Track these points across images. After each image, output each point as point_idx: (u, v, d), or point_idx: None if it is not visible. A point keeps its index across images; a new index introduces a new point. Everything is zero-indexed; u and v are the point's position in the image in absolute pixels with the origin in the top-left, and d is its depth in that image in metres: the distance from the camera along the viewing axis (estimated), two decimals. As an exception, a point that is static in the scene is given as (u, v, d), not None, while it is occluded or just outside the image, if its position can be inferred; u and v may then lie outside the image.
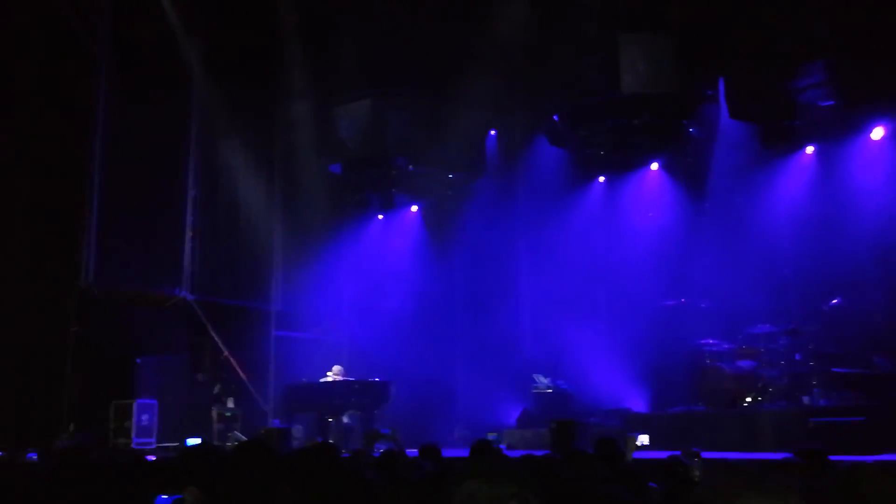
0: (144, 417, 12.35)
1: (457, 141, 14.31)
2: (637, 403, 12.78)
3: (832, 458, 5.10)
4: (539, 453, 5.38)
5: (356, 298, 15.56)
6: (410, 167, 15.30)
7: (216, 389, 13.80)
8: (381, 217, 16.30)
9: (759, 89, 11.86)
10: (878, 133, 11.52)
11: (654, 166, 14.02)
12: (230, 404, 13.70)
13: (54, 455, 8.03)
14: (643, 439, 10.35)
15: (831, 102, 11.51)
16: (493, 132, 14.94)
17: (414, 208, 16.19)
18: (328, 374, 13.32)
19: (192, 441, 11.29)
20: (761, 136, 12.25)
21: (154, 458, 6.69)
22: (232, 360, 14.11)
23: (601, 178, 14.65)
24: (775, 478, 5.33)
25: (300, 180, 15.30)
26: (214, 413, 13.39)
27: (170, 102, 13.83)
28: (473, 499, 1.77)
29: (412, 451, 6.41)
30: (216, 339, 14.05)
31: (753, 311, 11.86)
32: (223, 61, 14.12)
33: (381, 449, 8.66)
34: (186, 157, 14.17)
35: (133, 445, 11.82)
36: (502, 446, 10.68)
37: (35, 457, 8.28)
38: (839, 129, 11.67)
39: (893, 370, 10.48)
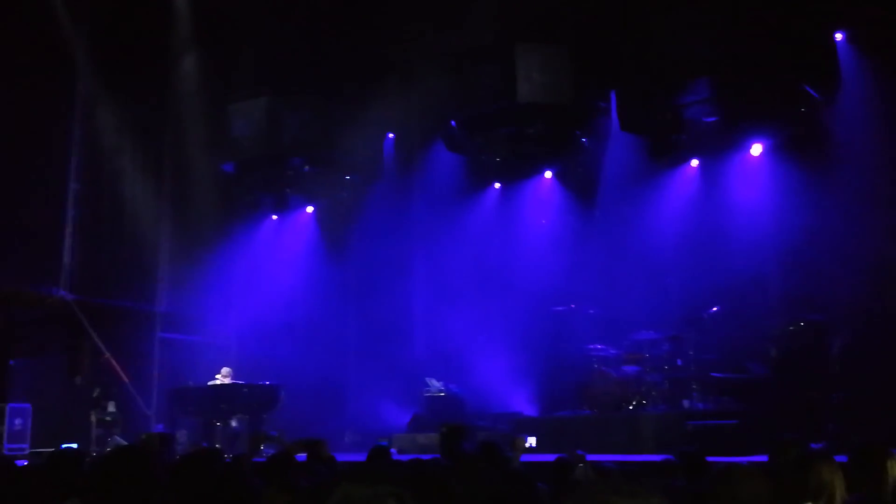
0: (17, 422, 11.76)
1: (354, 143, 14.23)
2: (527, 407, 12.99)
3: (709, 459, 5.29)
4: (428, 457, 5.39)
5: (247, 300, 15.22)
6: (306, 168, 15.09)
7: (95, 393, 13.22)
8: (274, 217, 16.02)
9: (647, 103, 12.27)
10: (756, 149, 12.10)
11: (548, 175, 14.31)
12: (111, 408, 13.14)
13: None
14: (531, 441, 10.52)
15: (714, 118, 12.02)
16: (390, 135, 14.92)
17: (309, 209, 15.98)
18: (216, 377, 12.98)
19: (67, 446, 10.79)
20: (649, 149, 12.67)
21: (26, 464, 6.35)
22: (113, 362, 13.56)
23: (496, 185, 14.85)
24: (653, 479, 5.50)
25: (190, 178, 14.86)
26: (93, 417, 12.82)
27: (52, 91, 13.22)
28: (350, 500, 1.75)
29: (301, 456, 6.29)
30: (96, 340, 13.48)
31: (638, 318, 12.24)
32: (111, 51, 13.58)
33: (268, 453, 8.49)
34: (68, 150, 13.56)
35: (3, 451, 11.23)
36: (392, 450, 10.62)
37: None
38: (721, 144, 12.19)
39: (764, 375, 11.01)
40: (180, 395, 13.04)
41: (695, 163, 12.82)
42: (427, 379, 13.57)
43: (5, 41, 12.46)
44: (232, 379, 12.94)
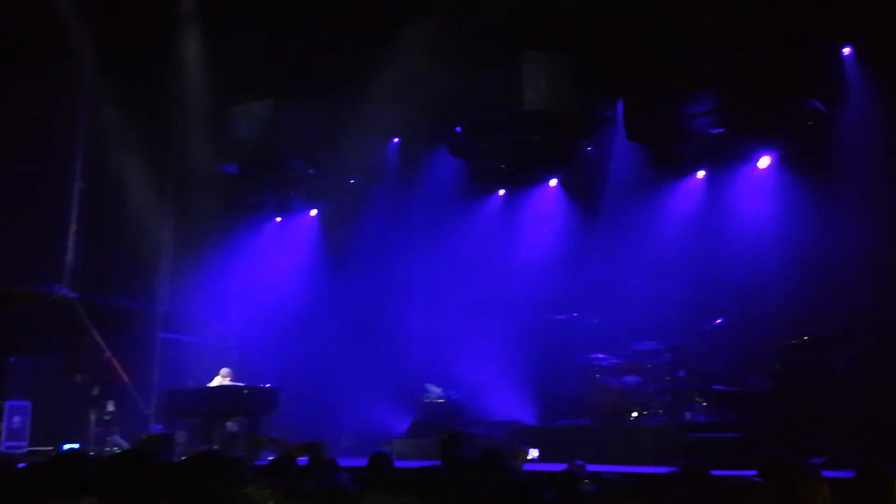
0: (16, 420, 11.74)
1: (358, 146, 14.22)
2: (527, 415, 12.94)
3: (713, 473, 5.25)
4: (428, 464, 5.35)
5: (248, 302, 15.18)
6: (310, 170, 15.09)
7: (95, 391, 13.18)
8: (278, 220, 16.00)
9: (654, 113, 12.26)
10: (764, 162, 12.05)
11: (553, 182, 14.29)
12: (110, 407, 13.09)
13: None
14: (533, 453, 10.46)
15: (721, 130, 12.00)
16: (395, 140, 14.90)
17: (313, 212, 15.96)
18: (216, 377, 12.94)
19: (69, 446, 10.78)
20: (655, 159, 12.66)
21: (25, 465, 6.32)
22: (113, 361, 13.54)
23: (501, 192, 14.83)
24: (659, 492, 5.47)
25: (194, 179, 14.85)
26: (92, 416, 12.78)
27: (59, 91, 13.22)
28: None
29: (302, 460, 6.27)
30: (97, 338, 13.46)
31: (641, 328, 12.19)
32: (118, 51, 13.58)
33: (269, 457, 8.45)
34: (74, 148, 13.56)
35: (2, 449, 11.21)
36: (392, 457, 10.57)
37: None
38: (728, 156, 12.17)
39: (767, 389, 10.96)
40: (179, 395, 12.96)
41: (701, 174, 12.79)
42: (426, 385, 13.54)
43: (11, 37, 12.48)
44: (231, 380, 12.90)
